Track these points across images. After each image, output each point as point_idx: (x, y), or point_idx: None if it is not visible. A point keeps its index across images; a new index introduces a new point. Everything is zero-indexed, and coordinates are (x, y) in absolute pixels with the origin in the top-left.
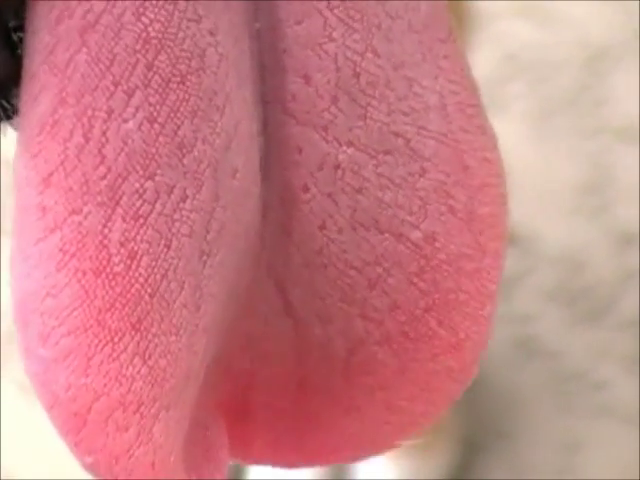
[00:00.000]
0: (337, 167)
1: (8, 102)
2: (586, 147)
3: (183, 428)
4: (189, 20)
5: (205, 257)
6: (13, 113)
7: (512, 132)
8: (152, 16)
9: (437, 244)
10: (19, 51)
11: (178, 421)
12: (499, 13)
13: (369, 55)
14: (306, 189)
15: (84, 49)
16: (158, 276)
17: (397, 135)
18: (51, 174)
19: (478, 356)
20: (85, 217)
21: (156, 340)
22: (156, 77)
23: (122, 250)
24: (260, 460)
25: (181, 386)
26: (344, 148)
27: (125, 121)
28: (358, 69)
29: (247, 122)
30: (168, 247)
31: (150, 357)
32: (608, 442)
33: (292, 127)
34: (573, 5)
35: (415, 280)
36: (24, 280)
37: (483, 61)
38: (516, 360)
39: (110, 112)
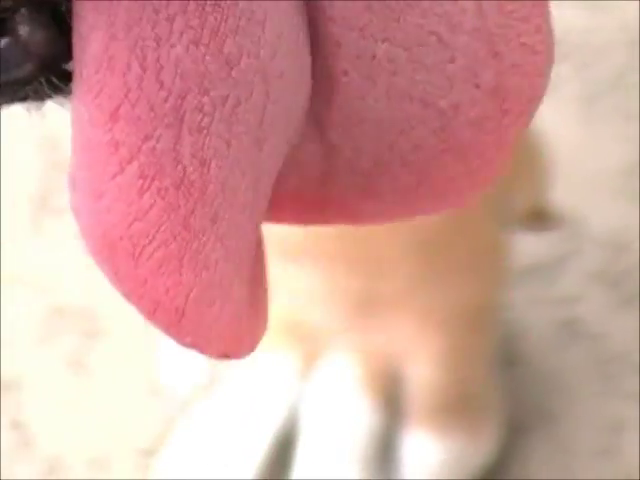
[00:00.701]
0: (374, 57)
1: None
2: (632, 130)
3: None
4: None
5: (261, 143)
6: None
7: (559, 115)
8: None
9: (460, 110)
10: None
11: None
12: None
13: None
14: (345, 73)
15: None
16: (226, 172)
17: (431, 33)
18: (118, 108)
19: (489, 179)
20: (157, 141)
21: (229, 224)
22: (192, 3)
23: (194, 161)
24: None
25: (251, 257)
26: (379, 44)
27: (173, 46)
28: None
29: (290, 31)
30: (229, 145)
31: (225, 239)
32: None
33: (331, 27)
34: None
35: (437, 132)
36: (104, 216)
37: None
38: (560, 342)
39: (158, 40)
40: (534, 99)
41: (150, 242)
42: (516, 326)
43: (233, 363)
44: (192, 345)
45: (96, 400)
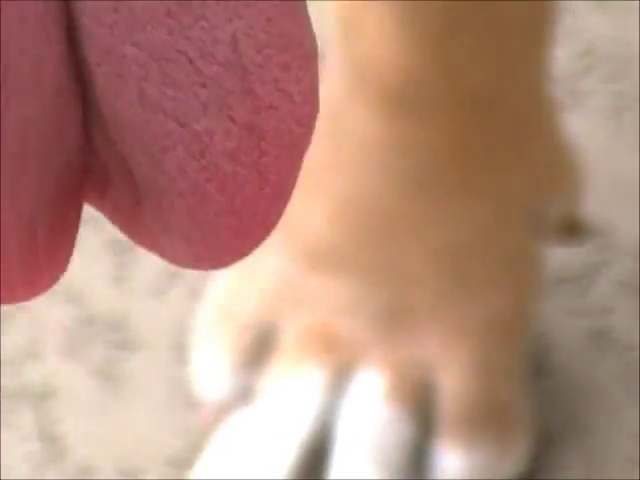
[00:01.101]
0: (124, 57)
1: None
2: None
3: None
4: None
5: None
6: None
7: (586, 127)
8: None
9: (216, 138)
10: None
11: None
12: (575, 9)
13: None
14: (98, 65)
15: None
16: None
17: (180, 52)
18: None
19: (261, 227)
20: None
21: None
22: None
23: None
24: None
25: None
26: (128, 46)
27: None
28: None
29: (36, 13)
30: None
31: None
32: None
33: (82, 18)
34: None
35: (198, 157)
36: None
37: (560, 56)
38: (591, 352)
39: None
40: (295, 146)
41: None
42: (547, 337)
43: (267, 375)
44: None
45: (127, 411)
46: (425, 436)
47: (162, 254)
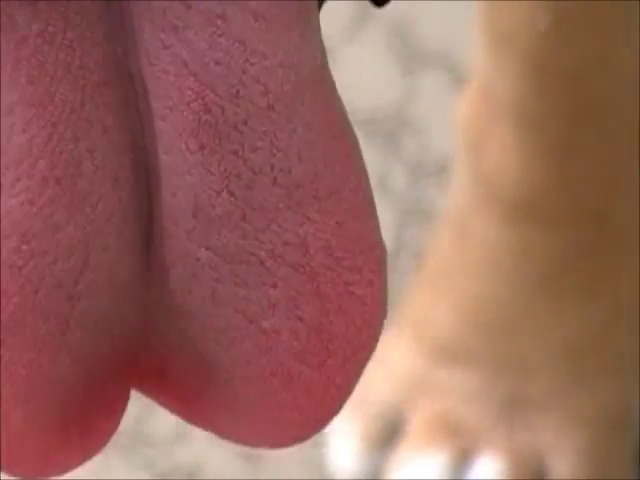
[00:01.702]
0: (198, 260)
1: None
2: None
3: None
4: (67, 140)
5: (74, 301)
6: None
7: None
8: (36, 131)
9: (283, 337)
10: None
11: (42, 408)
12: None
13: (225, 194)
14: (173, 266)
15: None
16: (25, 311)
17: (251, 254)
18: None
19: (322, 420)
20: None
21: (18, 355)
22: (37, 174)
23: None
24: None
25: (43, 387)
26: (202, 249)
27: (11, 197)
28: (214, 201)
29: (121, 215)
30: (36, 292)
31: (11, 366)
32: None
33: (162, 222)
34: None
35: (264, 353)
36: None
37: None
38: None
39: (3, 187)
40: (362, 349)
41: None
42: None
43: (396, 457)
44: None
45: None
46: None
47: (220, 433)
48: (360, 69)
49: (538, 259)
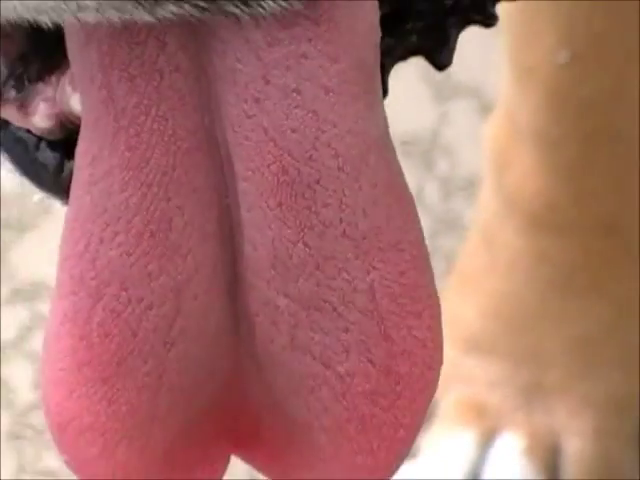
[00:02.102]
0: (277, 307)
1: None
2: None
3: (153, 451)
4: (160, 199)
5: (169, 346)
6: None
7: None
8: (132, 192)
9: (356, 380)
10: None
11: (145, 447)
12: None
13: (300, 245)
14: (257, 315)
15: (88, 196)
16: (125, 352)
17: (325, 301)
18: (65, 260)
19: (392, 466)
20: (79, 299)
21: (120, 393)
22: (134, 229)
23: (99, 329)
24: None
25: (144, 425)
26: (281, 297)
27: (110, 249)
28: (291, 252)
29: (209, 266)
30: (135, 335)
31: (113, 403)
32: None
33: (245, 273)
34: None
35: (340, 398)
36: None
37: None
38: None
39: (102, 240)
40: (426, 389)
41: (61, 366)
42: None
43: (429, 435)
44: (69, 466)
45: None
46: None
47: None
48: (399, 97)
49: (552, 263)
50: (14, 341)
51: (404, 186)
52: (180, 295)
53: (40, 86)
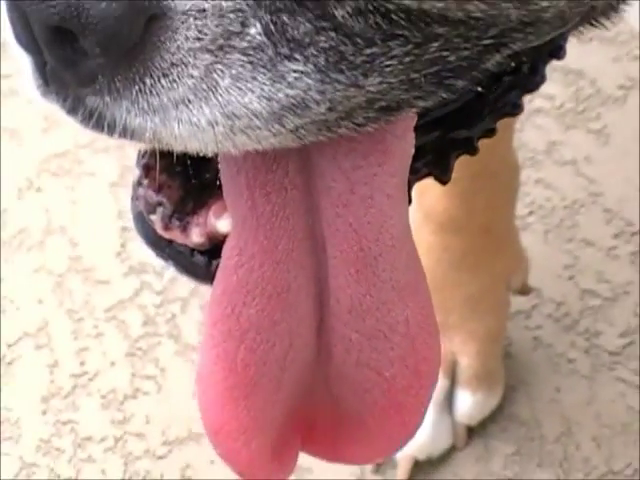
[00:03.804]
0: (350, 340)
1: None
2: None
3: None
4: (283, 271)
5: (284, 371)
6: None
7: None
8: (267, 268)
9: (397, 379)
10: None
11: (267, 440)
12: None
13: (368, 297)
14: (335, 346)
15: (234, 276)
16: (258, 377)
17: (379, 331)
18: (215, 322)
19: (415, 428)
20: (228, 345)
21: (254, 405)
22: (267, 293)
23: (242, 362)
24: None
25: (266, 425)
26: (354, 332)
27: (250, 309)
28: (361, 302)
29: (309, 315)
30: (265, 364)
31: (250, 412)
32: None
33: (329, 318)
34: None
35: (385, 393)
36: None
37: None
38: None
39: (244, 304)
40: (434, 380)
41: (206, 388)
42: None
43: None
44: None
45: None
46: (453, 387)
47: (338, 461)
48: None
49: (451, 251)
50: None
51: (417, 252)
52: (292, 335)
53: (194, 217)
